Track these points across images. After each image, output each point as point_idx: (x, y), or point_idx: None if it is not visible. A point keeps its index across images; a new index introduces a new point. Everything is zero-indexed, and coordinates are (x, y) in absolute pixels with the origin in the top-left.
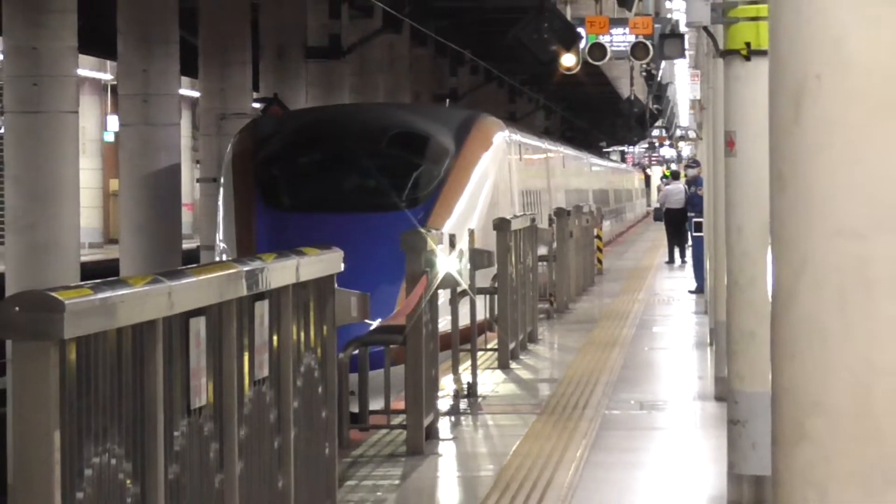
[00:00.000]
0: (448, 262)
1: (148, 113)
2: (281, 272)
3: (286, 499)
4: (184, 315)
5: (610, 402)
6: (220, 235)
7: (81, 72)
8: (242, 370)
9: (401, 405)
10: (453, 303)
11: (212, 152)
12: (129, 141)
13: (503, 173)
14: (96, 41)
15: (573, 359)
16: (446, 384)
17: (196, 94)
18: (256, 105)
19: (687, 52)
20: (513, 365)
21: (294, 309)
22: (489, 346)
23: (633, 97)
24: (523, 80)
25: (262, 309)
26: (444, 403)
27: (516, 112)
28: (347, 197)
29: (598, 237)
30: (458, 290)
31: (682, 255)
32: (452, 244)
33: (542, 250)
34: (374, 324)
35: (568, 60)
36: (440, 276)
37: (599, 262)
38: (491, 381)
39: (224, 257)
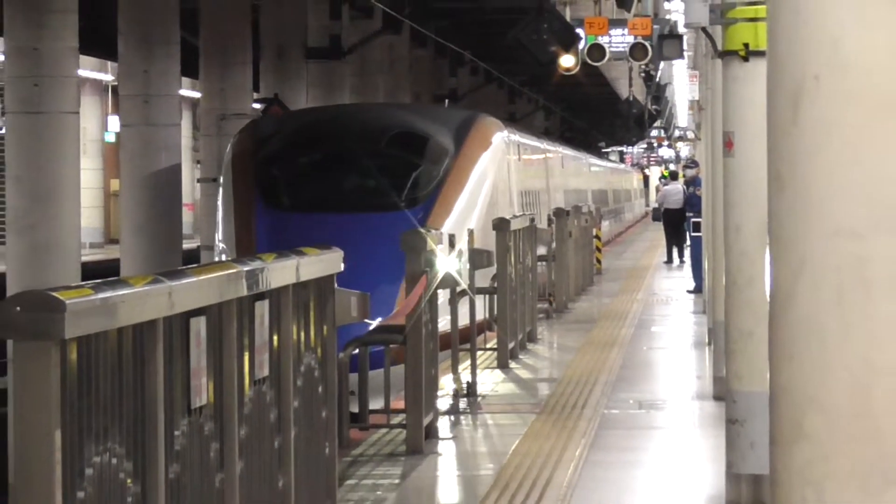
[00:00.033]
0: (447, 262)
1: (149, 113)
2: (281, 272)
3: (286, 498)
4: (184, 315)
5: (609, 402)
6: (219, 235)
7: (82, 72)
8: (243, 370)
9: (400, 405)
10: (453, 303)
11: (212, 152)
12: (129, 141)
13: (502, 173)
14: (97, 42)
15: (572, 358)
16: (446, 384)
17: (197, 94)
18: (257, 105)
19: (685, 53)
20: (512, 364)
21: (294, 309)
22: (488, 346)
23: (631, 98)
24: (523, 80)
25: (263, 309)
26: (443, 403)
27: (516, 112)
28: (347, 197)
29: (597, 237)
30: (458, 289)
31: (681, 255)
32: (452, 244)
33: (542, 250)
34: (374, 323)
35: (567, 61)
36: (440, 275)
37: (598, 261)
38: (490, 381)
39: (223, 257)
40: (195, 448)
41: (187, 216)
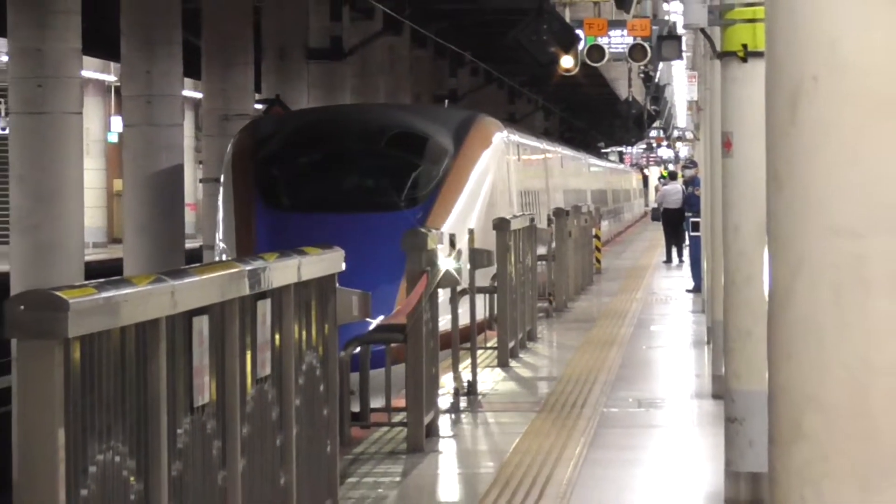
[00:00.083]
0: (448, 262)
1: (151, 114)
2: (283, 271)
3: (288, 496)
4: (187, 314)
5: (608, 400)
6: (219, 235)
7: (85, 73)
8: (245, 368)
9: (401, 403)
10: (453, 302)
11: (214, 153)
12: (132, 141)
13: (502, 173)
14: (100, 43)
15: (572, 357)
16: (446, 382)
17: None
18: (259, 106)
19: (684, 54)
20: (512, 363)
21: (296, 308)
22: (489, 345)
23: (631, 98)
24: (523, 81)
25: (265, 308)
26: (444, 401)
27: (516, 113)
28: (347, 197)
29: (597, 237)
30: (458, 289)
31: (680, 255)
32: (452, 244)
33: (541, 250)
34: (374, 323)
35: (567, 62)
36: (440, 275)
37: (598, 261)
38: (491, 380)
39: (224, 257)
40: (198, 446)
41: (190, 216)
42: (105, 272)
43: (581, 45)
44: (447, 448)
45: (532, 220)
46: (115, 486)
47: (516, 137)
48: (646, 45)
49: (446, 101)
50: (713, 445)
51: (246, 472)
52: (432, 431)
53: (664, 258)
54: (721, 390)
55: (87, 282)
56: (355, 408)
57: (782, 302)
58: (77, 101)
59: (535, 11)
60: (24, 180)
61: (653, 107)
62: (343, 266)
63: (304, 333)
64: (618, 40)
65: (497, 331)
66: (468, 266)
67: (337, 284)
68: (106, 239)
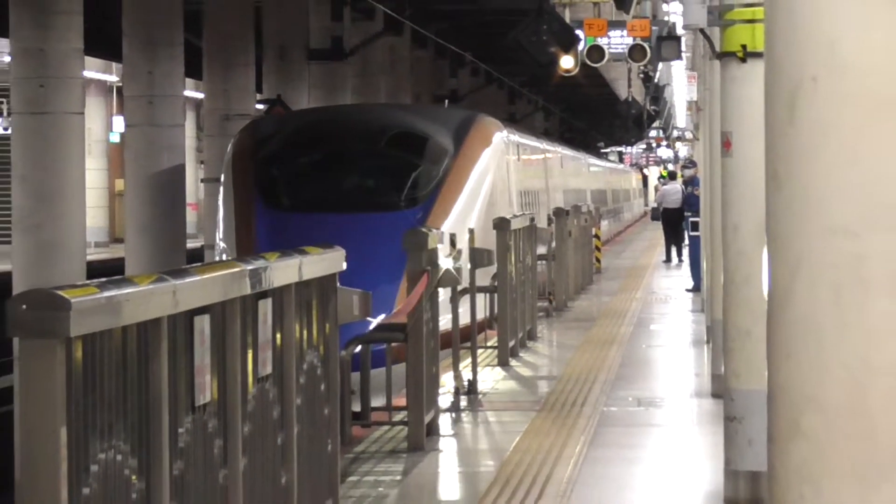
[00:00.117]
0: (448, 261)
1: (153, 114)
2: (284, 271)
3: (289, 494)
4: (188, 313)
5: (608, 399)
6: (219, 235)
7: (87, 73)
8: (246, 368)
9: (402, 402)
10: (453, 301)
11: (216, 153)
12: (134, 142)
13: (501, 173)
14: (102, 43)
15: (572, 356)
16: (447, 381)
17: (200, 95)
18: (260, 106)
19: (684, 55)
20: (512, 362)
21: (297, 307)
22: (489, 344)
23: (630, 98)
24: (523, 81)
25: (266, 307)
26: (444, 400)
27: (516, 113)
28: (347, 197)
29: (597, 236)
30: (459, 288)
31: (679, 254)
32: (453, 243)
33: (542, 249)
34: (374, 322)
35: (567, 62)
36: (440, 274)
37: (598, 260)
38: (491, 379)
39: (224, 257)
40: (199, 445)
41: (191, 216)
42: (107, 272)
43: (581, 46)
44: (448, 447)
45: (532, 219)
46: (116, 485)
47: (516, 137)
48: (645, 45)
49: (446, 101)
50: (713, 444)
51: (247, 471)
52: (433, 430)
53: (664, 258)
54: (720, 389)
55: (88, 281)
56: (356, 407)
57: (781, 301)
58: (79, 102)
59: (535, 12)
60: (27, 180)
61: (652, 107)
62: (344, 266)
63: (305, 333)
64: (617, 41)
65: (497, 330)
66: (468, 265)
67: (338, 284)
68: (108, 238)
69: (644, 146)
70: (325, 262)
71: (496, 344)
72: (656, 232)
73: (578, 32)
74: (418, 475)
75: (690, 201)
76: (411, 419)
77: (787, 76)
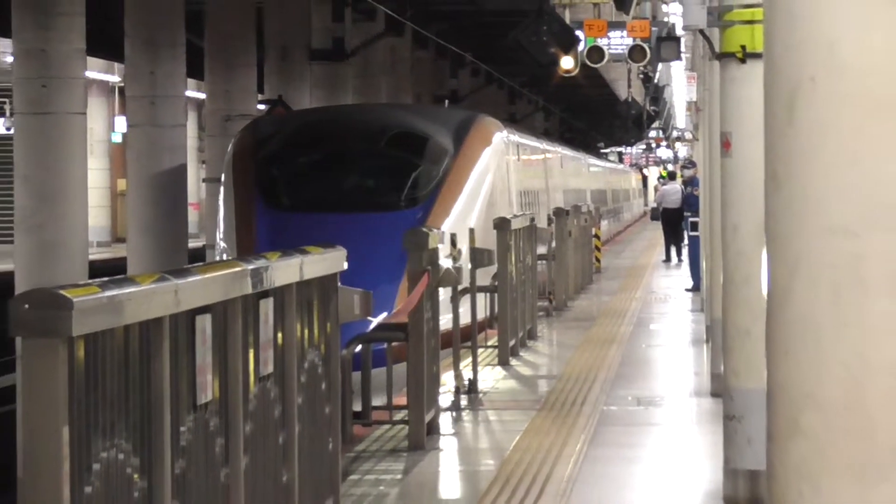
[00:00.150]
0: (448, 261)
1: (155, 114)
2: (285, 270)
3: (290, 493)
4: (190, 312)
5: (608, 399)
6: (220, 234)
7: (89, 74)
8: (247, 367)
9: (402, 401)
10: (454, 301)
11: (217, 153)
12: (136, 142)
13: (501, 173)
14: (104, 43)
15: (572, 355)
16: (447, 381)
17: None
18: (261, 106)
19: (683, 55)
20: (513, 362)
21: (298, 307)
22: (489, 344)
23: (630, 99)
24: (523, 82)
25: (267, 306)
26: (445, 399)
27: (516, 113)
28: (347, 197)
29: (597, 236)
30: (459, 288)
31: (679, 254)
32: (453, 243)
33: (542, 249)
34: (375, 321)
35: (567, 63)
36: (441, 274)
37: (597, 260)
38: (491, 378)
39: (224, 256)
40: (201, 443)
41: (193, 215)
42: (109, 271)
43: (581, 46)
44: (448, 446)
45: (532, 219)
46: (118, 484)
47: (516, 137)
48: (645, 46)
49: (447, 101)
50: (712, 443)
51: (248, 470)
52: (433, 429)
53: (663, 257)
54: (720, 388)
55: (90, 281)
56: (357, 406)
57: (781, 301)
58: (81, 102)
59: (535, 13)
60: (29, 180)
61: (652, 107)
62: (345, 265)
63: (306, 332)
64: (617, 41)
65: (497, 329)
66: (469, 265)
67: (339, 283)
68: (110, 238)
69: (644, 146)
70: (326, 261)
71: (496, 343)
72: (656, 232)
73: (578, 33)
74: (419, 474)
75: (690, 201)
76: (412, 418)
77: (786, 77)
